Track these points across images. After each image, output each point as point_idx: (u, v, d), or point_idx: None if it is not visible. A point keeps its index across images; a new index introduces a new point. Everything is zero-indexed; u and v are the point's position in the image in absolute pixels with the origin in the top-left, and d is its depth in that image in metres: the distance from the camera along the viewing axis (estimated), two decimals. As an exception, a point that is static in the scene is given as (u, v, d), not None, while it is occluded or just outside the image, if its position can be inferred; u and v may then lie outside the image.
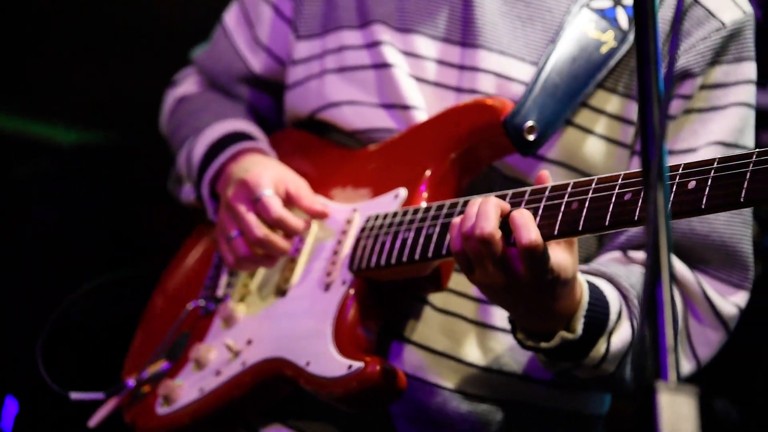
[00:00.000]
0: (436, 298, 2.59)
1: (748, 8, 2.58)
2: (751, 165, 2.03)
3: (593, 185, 2.22)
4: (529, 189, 2.30)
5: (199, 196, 2.85)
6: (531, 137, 2.48)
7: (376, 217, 2.55)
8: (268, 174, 2.66)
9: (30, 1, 4.51)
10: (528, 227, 2.19)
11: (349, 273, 2.55)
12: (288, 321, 2.62)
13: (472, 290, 2.58)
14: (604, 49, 2.54)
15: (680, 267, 2.52)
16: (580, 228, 2.20)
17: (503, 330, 2.58)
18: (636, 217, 2.14)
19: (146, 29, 4.79)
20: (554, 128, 2.51)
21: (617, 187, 2.18)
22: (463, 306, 2.58)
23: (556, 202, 2.25)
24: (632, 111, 2.55)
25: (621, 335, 2.39)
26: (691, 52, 2.53)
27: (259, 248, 2.63)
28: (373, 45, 2.71)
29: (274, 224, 2.62)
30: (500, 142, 2.51)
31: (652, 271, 1.63)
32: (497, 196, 2.31)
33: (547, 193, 2.27)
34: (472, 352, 2.58)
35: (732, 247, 2.52)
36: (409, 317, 2.59)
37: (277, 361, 2.58)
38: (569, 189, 2.24)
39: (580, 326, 2.31)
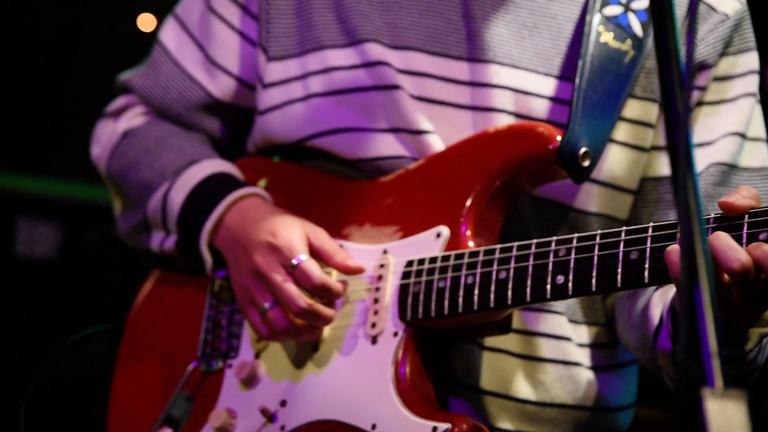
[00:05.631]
0: (480, 335, 2.47)
1: None
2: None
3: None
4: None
5: (184, 247, 2.60)
6: (586, 163, 2.37)
7: (421, 261, 2.38)
8: (294, 232, 2.43)
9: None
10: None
11: (401, 323, 2.37)
12: (329, 378, 2.42)
13: (516, 323, 2.46)
14: (626, 59, 2.46)
15: None
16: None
17: (550, 361, 2.50)
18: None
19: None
20: (602, 150, 2.42)
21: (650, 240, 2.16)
22: (507, 340, 2.47)
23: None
24: (649, 113, 2.49)
25: None
26: (702, 44, 2.49)
27: (301, 319, 2.42)
28: (367, 65, 2.53)
29: (316, 292, 2.40)
30: (551, 169, 2.38)
31: (688, 274, 1.56)
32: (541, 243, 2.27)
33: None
34: (523, 388, 2.48)
35: None
36: (456, 359, 2.46)
37: (330, 424, 2.38)
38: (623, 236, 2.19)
39: None
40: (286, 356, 2.49)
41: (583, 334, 2.55)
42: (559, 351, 2.51)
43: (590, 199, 2.49)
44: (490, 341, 2.47)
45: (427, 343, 2.37)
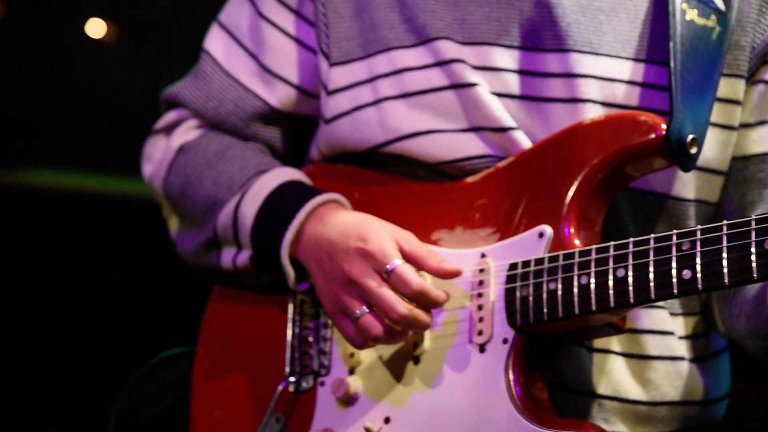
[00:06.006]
0: (586, 336, 2.38)
1: None
2: None
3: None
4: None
5: (260, 262, 2.49)
6: (693, 150, 2.28)
7: (526, 263, 2.28)
8: (386, 236, 2.31)
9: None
10: None
11: (510, 329, 2.27)
12: (437, 391, 2.31)
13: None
14: (714, 36, 2.37)
15: None
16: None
17: (658, 358, 2.41)
18: None
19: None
20: (705, 134, 2.32)
21: None
22: (613, 339, 2.38)
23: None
24: (736, 90, 2.42)
25: None
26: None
27: (399, 326, 2.30)
28: (441, 64, 2.43)
29: (414, 298, 2.28)
30: (656, 160, 2.29)
31: None
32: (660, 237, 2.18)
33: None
34: (633, 389, 2.40)
35: None
36: (565, 363, 2.36)
37: None
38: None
39: None
40: (384, 371, 2.38)
41: (681, 325, 2.47)
42: (665, 347, 2.42)
43: (686, 185, 2.41)
44: (598, 342, 2.38)
45: (538, 348, 2.27)
